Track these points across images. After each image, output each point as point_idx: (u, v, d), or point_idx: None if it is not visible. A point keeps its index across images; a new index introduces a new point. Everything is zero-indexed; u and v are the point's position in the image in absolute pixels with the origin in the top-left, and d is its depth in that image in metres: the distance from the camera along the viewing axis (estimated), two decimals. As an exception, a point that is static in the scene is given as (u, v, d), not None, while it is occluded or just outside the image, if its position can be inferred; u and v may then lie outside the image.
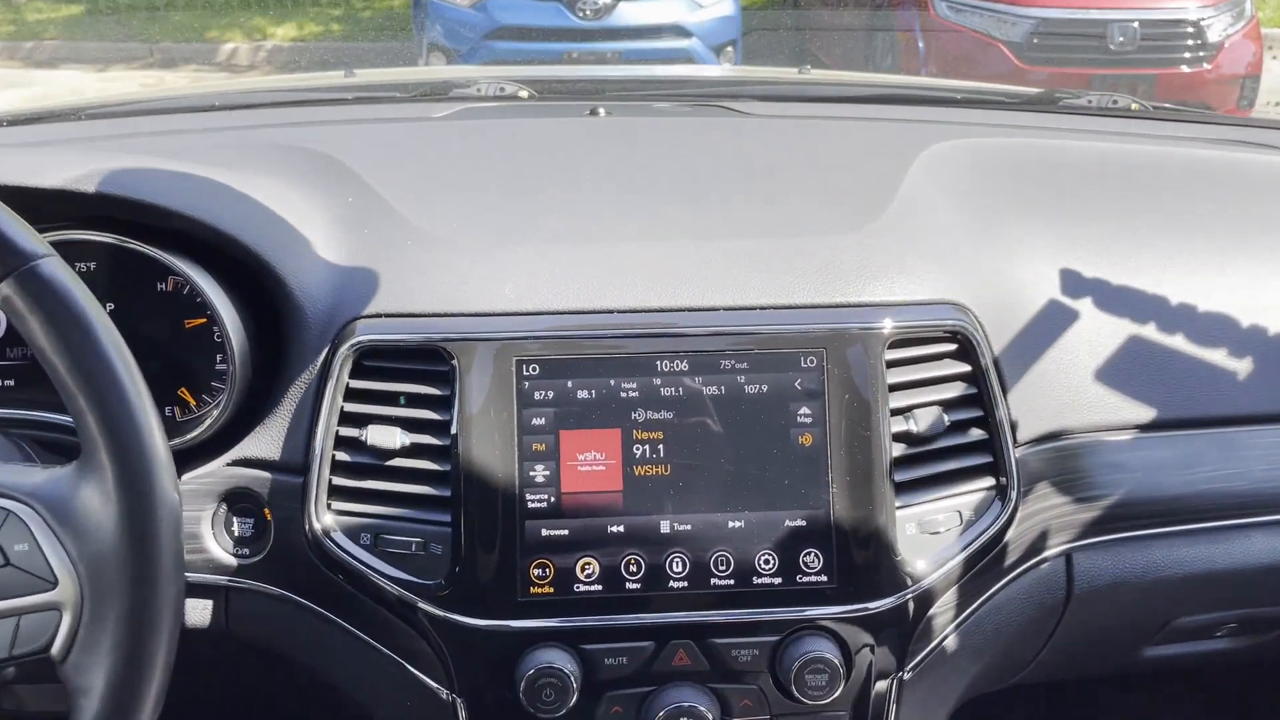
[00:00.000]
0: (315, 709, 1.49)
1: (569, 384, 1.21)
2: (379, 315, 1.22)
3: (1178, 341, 1.34)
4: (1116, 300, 1.35)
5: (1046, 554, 1.34)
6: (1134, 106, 2.07)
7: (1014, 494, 1.28)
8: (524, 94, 1.94)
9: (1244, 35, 7.08)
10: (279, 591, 1.25)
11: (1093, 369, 1.34)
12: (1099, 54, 6.87)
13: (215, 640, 1.28)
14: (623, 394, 1.21)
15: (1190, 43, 6.92)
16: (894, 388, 1.24)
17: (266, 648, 1.36)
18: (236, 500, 1.24)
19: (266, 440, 1.23)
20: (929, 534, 1.26)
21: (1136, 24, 6.78)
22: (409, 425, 1.22)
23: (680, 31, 7.41)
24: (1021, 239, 1.36)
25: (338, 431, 1.22)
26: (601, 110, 1.78)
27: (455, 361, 1.20)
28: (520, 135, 1.66)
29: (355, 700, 1.34)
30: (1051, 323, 1.34)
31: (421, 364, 1.21)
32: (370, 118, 1.81)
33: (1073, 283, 1.35)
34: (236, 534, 1.25)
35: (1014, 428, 1.29)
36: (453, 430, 1.20)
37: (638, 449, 1.21)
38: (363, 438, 1.21)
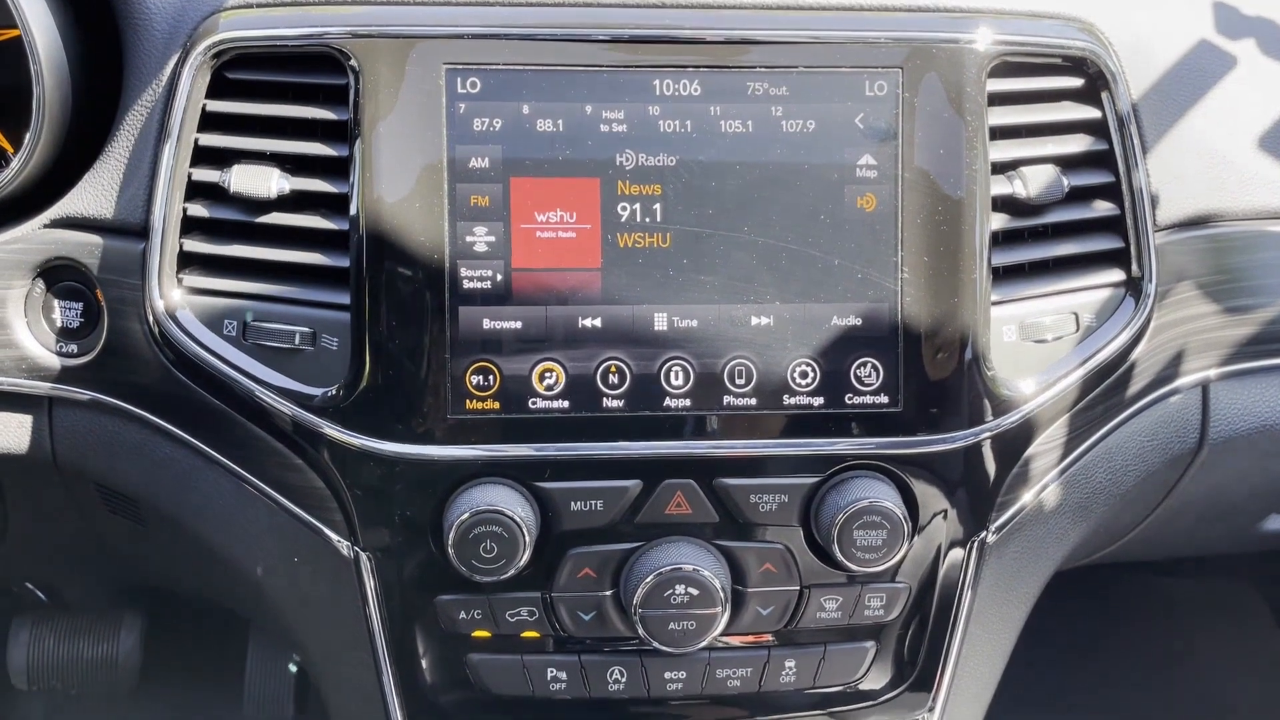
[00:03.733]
0: (186, 565, 1.17)
1: (524, 109, 0.94)
2: (248, 4, 0.95)
3: None
4: None
5: (1180, 382, 1.10)
6: None
7: (1150, 294, 1.04)
8: None
9: None
10: (116, 403, 1.01)
11: (1260, 133, 1.11)
12: None
13: (37, 474, 1.05)
14: (603, 126, 0.94)
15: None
16: (996, 133, 1.01)
17: (106, 483, 1.07)
18: (57, 276, 1.01)
19: (95, 192, 0.99)
20: (1034, 342, 1.01)
21: None
22: (290, 165, 0.97)
23: None
24: None
25: (190, 175, 0.97)
26: None
27: (357, 70, 0.93)
28: None
29: (226, 555, 1.01)
30: (1211, 65, 1.10)
31: (308, 74, 0.96)
32: None
33: (1234, 17, 1.12)
34: (59, 323, 1.01)
35: (1154, 203, 1.05)
36: (353, 173, 0.93)
37: (624, 209, 0.93)
38: (224, 183, 0.96)
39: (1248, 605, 2.11)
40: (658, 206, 0.93)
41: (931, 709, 1.06)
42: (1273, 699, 2.00)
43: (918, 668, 1.04)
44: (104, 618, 1.77)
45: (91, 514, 1.12)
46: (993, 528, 1.02)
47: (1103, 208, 1.02)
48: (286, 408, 0.94)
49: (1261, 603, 2.10)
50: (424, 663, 1.00)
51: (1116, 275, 1.03)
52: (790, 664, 1.00)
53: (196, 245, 0.96)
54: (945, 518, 0.99)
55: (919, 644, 1.03)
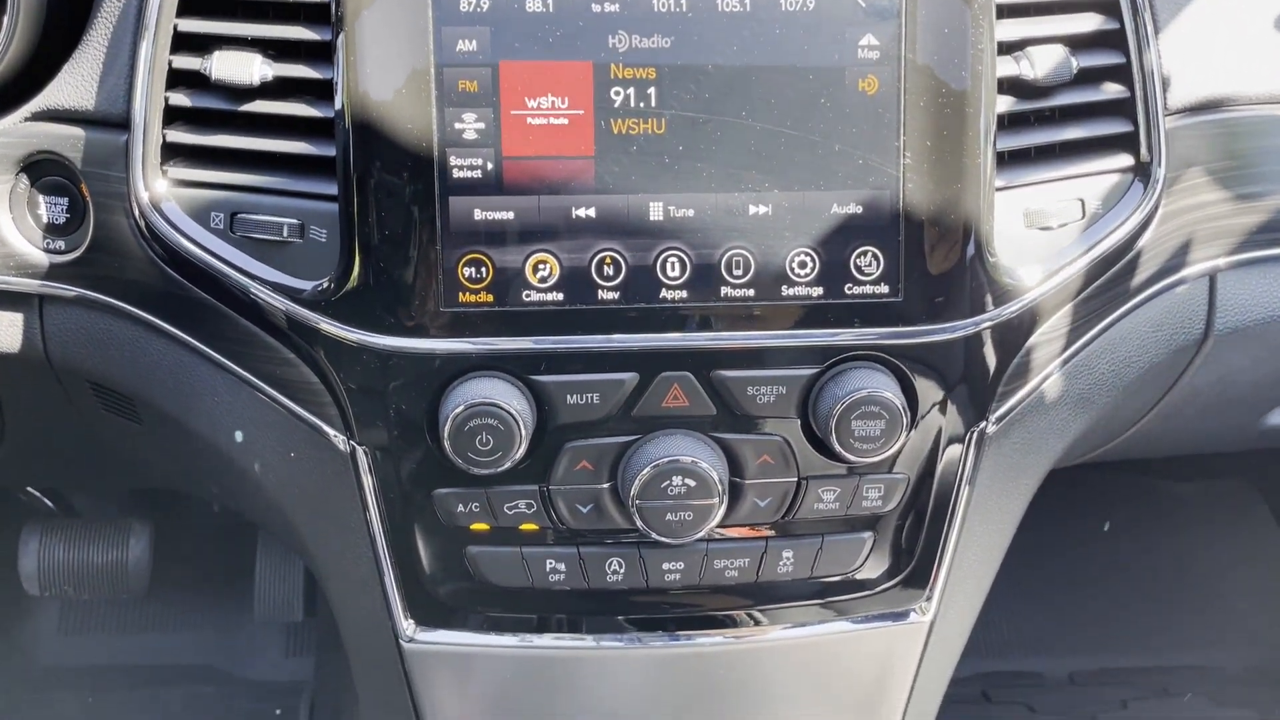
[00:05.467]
0: (186, 465, 1.17)
1: None
2: None
3: None
4: None
5: (1187, 271, 1.08)
6: None
7: (1159, 180, 1.00)
8: None
9: None
10: (103, 299, 0.99)
11: (1277, 15, 1.06)
12: None
13: (31, 373, 1.04)
14: (595, 6, 0.90)
15: None
16: (1003, 11, 0.96)
17: (100, 381, 1.05)
18: (42, 171, 0.98)
19: (75, 83, 0.96)
20: (1039, 229, 0.98)
21: None
22: (273, 50, 0.93)
23: None
24: None
25: (170, 63, 0.94)
26: None
27: None
28: None
29: (223, 452, 1.00)
30: None
31: None
32: None
33: None
34: (45, 219, 0.99)
35: (1165, 86, 1.01)
36: (337, 56, 0.90)
37: (618, 93, 0.91)
38: (205, 70, 0.93)
39: (1247, 506, 2.11)
40: (652, 91, 0.89)
41: (929, 598, 1.05)
42: (1272, 598, 2.01)
43: (915, 558, 1.03)
44: (113, 525, 1.78)
45: (89, 414, 1.11)
46: (993, 419, 1.00)
47: (1112, 90, 0.99)
48: (277, 301, 0.92)
49: (1261, 503, 2.10)
50: (423, 556, 0.99)
51: (1124, 160, 0.99)
52: (788, 554, 1.00)
53: (180, 136, 0.93)
54: (944, 408, 0.97)
55: (917, 535, 1.02)
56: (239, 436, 0.98)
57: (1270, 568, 2.04)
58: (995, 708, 1.86)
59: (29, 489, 1.70)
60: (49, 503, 1.77)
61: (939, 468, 0.99)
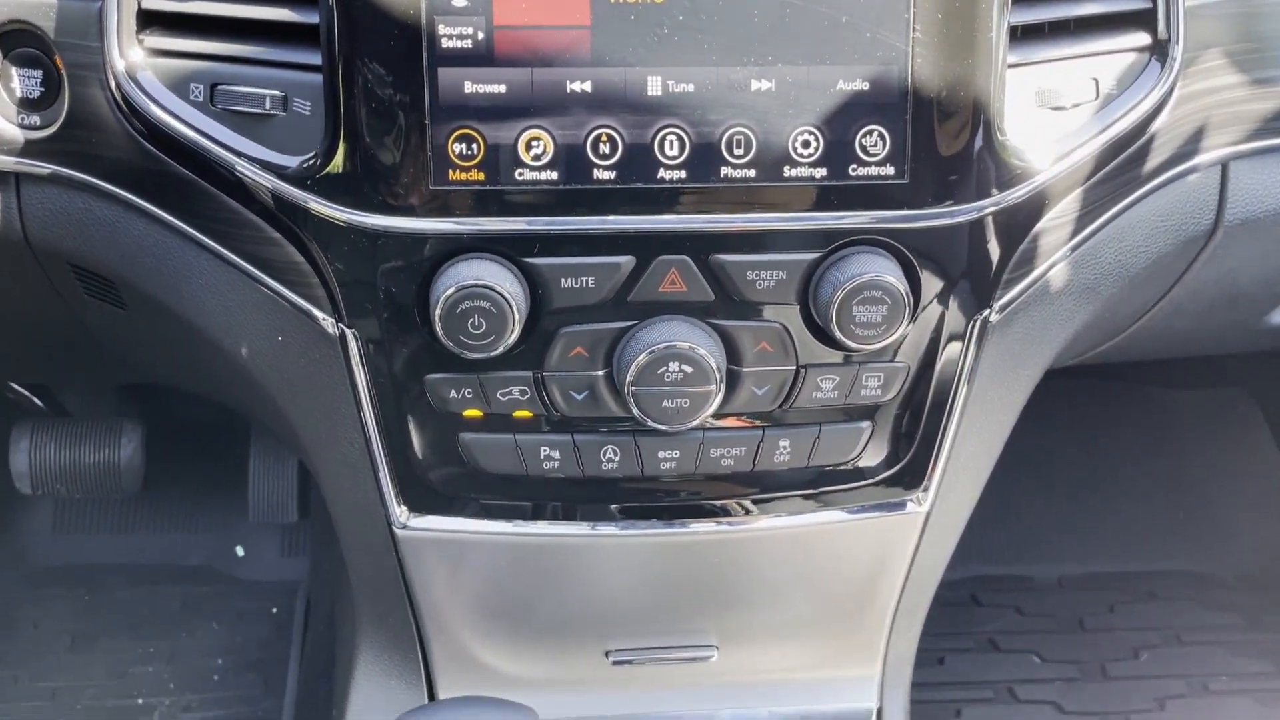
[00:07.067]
0: (173, 354, 1.15)
1: None
2: None
3: None
4: None
5: (1200, 159, 1.04)
6: None
7: (1175, 59, 0.96)
8: None
9: None
10: (78, 176, 0.95)
11: None
12: None
13: (10, 256, 1.01)
14: None
15: None
16: None
17: (81, 264, 1.02)
18: (14, 42, 0.94)
19: None
20: (1050, 109, 0.94)
21: None
22: None
23: None
24: None
25: None
26: None
27: None
28: None
29: (209, 337, 0.97)
30: None
31: None
32: None
33: None
34: (19, 93, 0.94)
35: None
36: None
37: None
38: None
39: (1242, 414, 2.11)
40: None
41: (925, 489, 1.04)
42: (1263, 506, 2.02)
43: (913, 448, 1.02)
44: (104, 424, 1.77)
45: (73, 300, 1.09)
46: (996, 306, 0.97)
47: None
48: (262, 179, 0.88)
49: (1256, 412, 2.10)
50: (416, 442, 0.98)
51: (1141, 39, 0.95)
52: (784, 443, 0.98)
53: (156, 2, 0.88)
54: (948, 295, 0.94)
55: (915, 425, 1.01)
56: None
57: (1263, 476, 2.05)
58: (984, 610, 1.89)
59: (14, 385, 1.68)
60: (38, 401, 1.76)
61: (940, 356, 0.97)
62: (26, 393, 1.72)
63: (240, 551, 1.65)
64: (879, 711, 1.21)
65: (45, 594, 1.84)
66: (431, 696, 1.18)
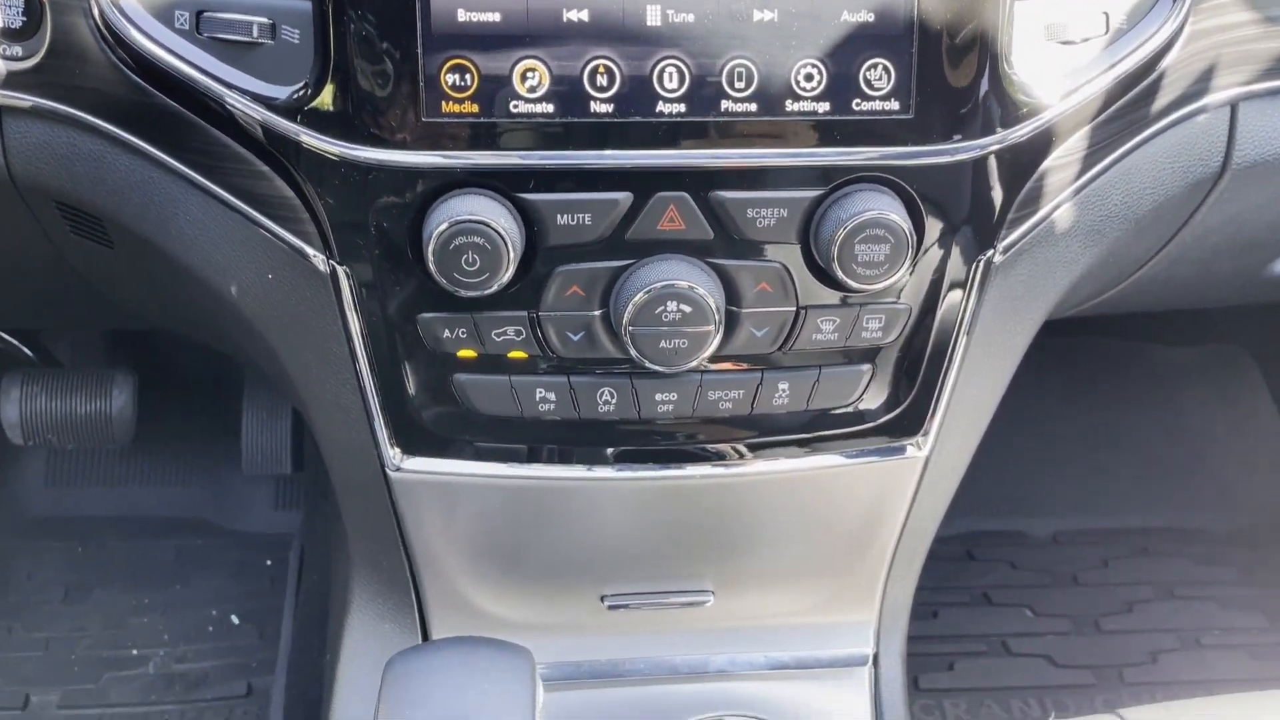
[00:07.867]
0: (163, 296, 1.13)
1: None
2: None
3: None
4: None
5: (1209, 99, 1.01)
6: None
7: None
8: None
9: None
10: (67, 111, 0.92)
11: None
12: None
13: None
14: None
15: None
16: None
17: (67, 200, 0.99)
18: None
19: None
20: (1059, 43, 0.91)
21: None
22: None
23: None
24: None
25: None
26: None
27: None
28: None
29: (196, 274, 0.95)
30: None
31: None
32: None
33: None
34: (0, 23, 0.90)
35: None
36: None
37: None
38: None
39: (1239, 371, 2.10)
40: None
41: (925, 433, 1.03)
42: (1258, 462, 2.02)
43: (914, 391, 1.00)
44: (95, 374, 1.75)
45: (59, 240, 1.07)
46: (1000, 247, 0.95)
47: None
48: (252, 110, 0.85)
49: (1253, 368, 2.10)
50: (409, 383, 0.96)
51: None
52: (783, 386, 0.96)
53: None
54: (951, 234, 0.92)
55: (916, 368, 0.99)
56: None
57: (1259, 433, 2.05)
58: (978, 565, 1.89)
59: (2, 334, 1.66)
60: (28, 351, 1.74)
61: (942, 298, 0.95)
62: (15, 342, 1.70)
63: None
64: (875, 657, 1.21)
65: (39, 546, 1.83)
66: (426, 641, 1.18)
